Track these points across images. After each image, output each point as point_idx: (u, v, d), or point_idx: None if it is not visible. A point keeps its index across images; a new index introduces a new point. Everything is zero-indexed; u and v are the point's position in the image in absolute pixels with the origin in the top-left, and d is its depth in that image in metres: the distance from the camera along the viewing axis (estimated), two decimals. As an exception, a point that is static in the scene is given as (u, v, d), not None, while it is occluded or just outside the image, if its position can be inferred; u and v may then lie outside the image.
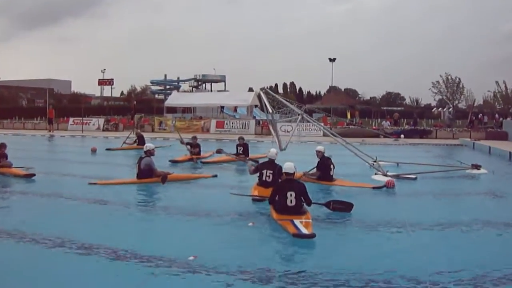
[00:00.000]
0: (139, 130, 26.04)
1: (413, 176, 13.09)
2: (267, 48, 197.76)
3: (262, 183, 10.48)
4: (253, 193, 10.07)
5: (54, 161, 18.87)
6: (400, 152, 21.21)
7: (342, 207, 8.75)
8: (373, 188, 11.42)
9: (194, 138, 18.20)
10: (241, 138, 17.95)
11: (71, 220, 8.30)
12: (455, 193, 11.82)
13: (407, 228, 7.64)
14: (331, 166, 11.99)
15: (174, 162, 16.36)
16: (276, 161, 10.63)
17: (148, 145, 12.58)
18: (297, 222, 7.53)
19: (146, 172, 11.87)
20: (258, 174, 10.77)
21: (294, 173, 8.51)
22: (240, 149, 17.54)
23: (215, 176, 13.29)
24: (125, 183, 11.96)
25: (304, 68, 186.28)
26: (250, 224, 7.92)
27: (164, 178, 11.73)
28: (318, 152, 12.29)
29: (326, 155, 12.26)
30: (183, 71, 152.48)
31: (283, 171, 8.62)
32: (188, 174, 13.84)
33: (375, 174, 13.37)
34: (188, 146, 17.73)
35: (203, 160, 17.14)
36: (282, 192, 8.15)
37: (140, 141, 21.99)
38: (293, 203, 8.07)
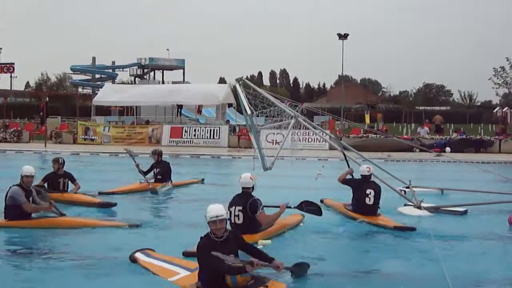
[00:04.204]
0: None
1: (462, 209, 10.63)
2: (245, 20, 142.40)
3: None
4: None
5: None
6: (445, 173, 17.93)
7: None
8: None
9: (155, 153, 13.36)
10: (155, 152, 13.32)
11: None
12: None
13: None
14: (368, 191, 9.50)
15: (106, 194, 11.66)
16: (254, 192, 7.94)
17: (25, 169, 9.16)
18: None
19: (11, 209, 8.97)
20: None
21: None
22: (156, 171, 13.01)
23: (137, 226, 8.88)
24: None
25: (301, 49, 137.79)
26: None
27: None
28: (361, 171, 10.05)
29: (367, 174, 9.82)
30: (122, 52, 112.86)
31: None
32: (83, 219, 9.30)
33: (404, 205, 10.70)
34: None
35: (108, 190, 11.98)
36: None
37: None
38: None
